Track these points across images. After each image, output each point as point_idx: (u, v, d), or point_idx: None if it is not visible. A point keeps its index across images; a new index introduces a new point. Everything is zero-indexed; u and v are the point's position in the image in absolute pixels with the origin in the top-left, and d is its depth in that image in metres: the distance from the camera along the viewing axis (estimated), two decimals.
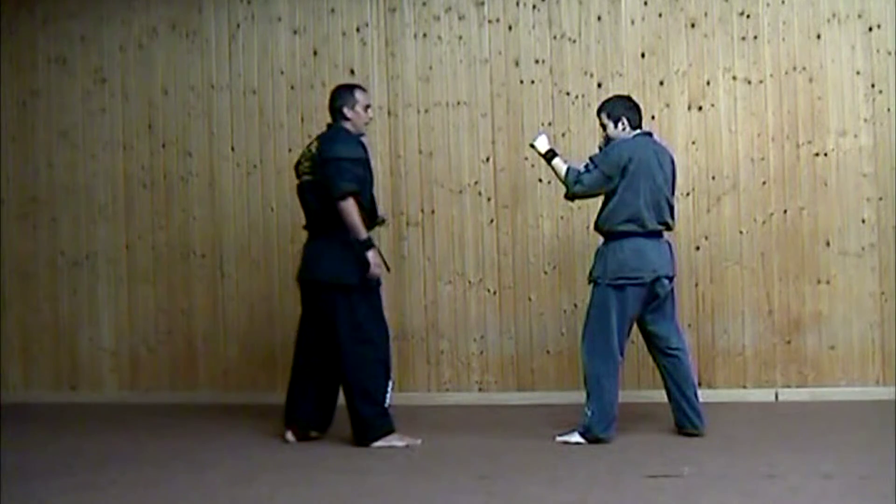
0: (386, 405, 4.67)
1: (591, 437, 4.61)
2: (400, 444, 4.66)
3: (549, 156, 4.82)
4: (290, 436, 4.90)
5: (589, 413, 4.62)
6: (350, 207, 4.59)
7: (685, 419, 4.74)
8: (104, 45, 6.55)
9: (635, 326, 4.79)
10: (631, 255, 4.64)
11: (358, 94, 4.86)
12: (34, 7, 6.66)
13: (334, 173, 4.61)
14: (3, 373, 6.62)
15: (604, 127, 4.81)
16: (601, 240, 4.78)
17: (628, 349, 5.76)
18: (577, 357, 5.79)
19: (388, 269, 4.92)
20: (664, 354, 4.79)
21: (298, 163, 4.91)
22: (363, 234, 4.64)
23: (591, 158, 4.74)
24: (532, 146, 4.90)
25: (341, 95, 4.87)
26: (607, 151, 4.73)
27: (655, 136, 4.89)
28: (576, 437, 4.64)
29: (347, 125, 4.81)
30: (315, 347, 4.84)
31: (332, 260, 4.69)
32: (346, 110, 4.81)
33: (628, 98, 4.92)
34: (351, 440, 4.76)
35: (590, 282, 4.76)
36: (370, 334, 4.68)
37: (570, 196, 4.86)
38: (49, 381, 6.59)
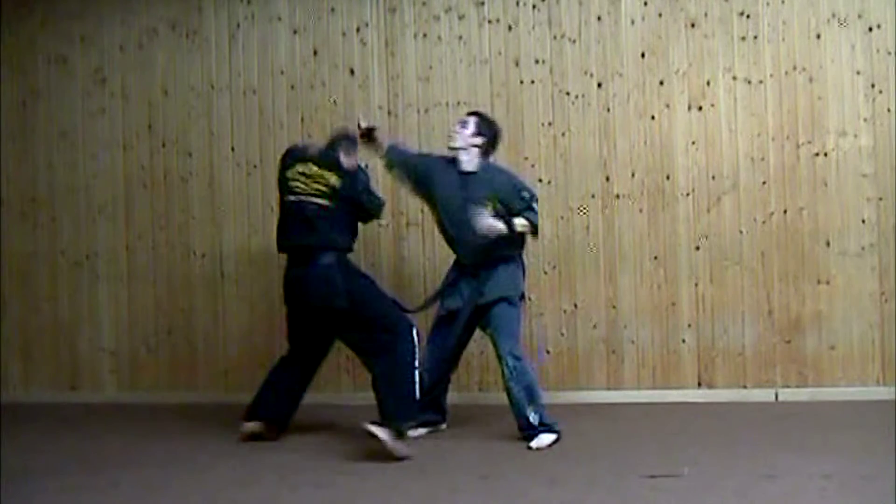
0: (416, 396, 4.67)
1: (552, 430, 4.67)
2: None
3: (509, 223, 4.78)
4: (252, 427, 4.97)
5: (537, 417, 4.66)
6: None
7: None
8: (104, 45, 6.55)
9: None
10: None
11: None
12: (34, 7, 6.66)
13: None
14: (3, 373, 6.62)
15: (463, 124, 4.93)
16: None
17: (631, 349, 5.79)
18: (578, 357, 5.83)
19: None
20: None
21: (291, 178, 4.79)
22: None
23: (525, 196, 4.81)
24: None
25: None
26: (525, 182, 4.95)
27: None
28: (547, 439, 4.65)
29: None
30: (308, 355, 4.93)
31: (343, 283, 4.66)
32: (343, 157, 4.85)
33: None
34: (352, 441, 4.77)
35: (502, 300, 4.81)
36: (391, 331, 4.68)
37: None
38: (49, 381, 6.59)
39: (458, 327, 4.91)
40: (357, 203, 4.78)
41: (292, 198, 4.76)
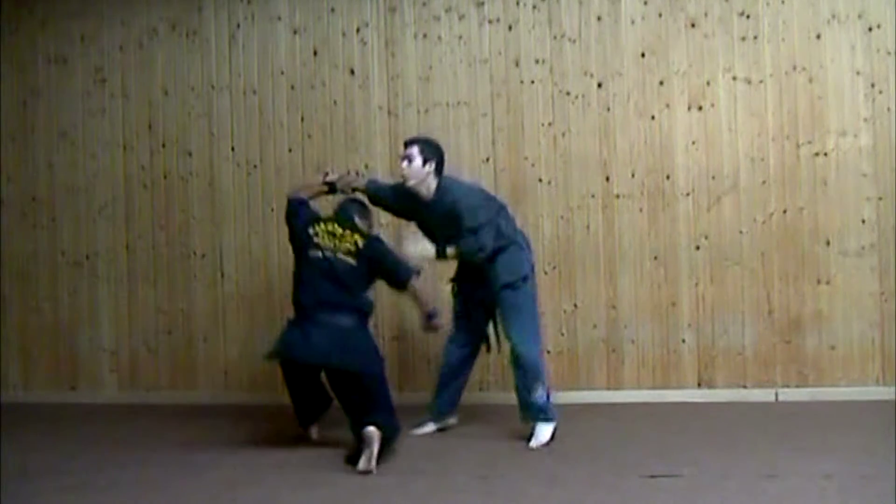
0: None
1: (551, 418, 4.72)
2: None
3: (441, 250, 4.83)
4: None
5: (545, 397, 4.72)
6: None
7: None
8: (104, 45, 6.55)
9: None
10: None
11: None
12: (34, 7, 6.66)
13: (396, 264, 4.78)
14: (3, 373, 6.62)
15: (409, 158, 4.81)
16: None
17: (631, 349, 5.80)
18: (578, 357, 5.83)
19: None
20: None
21: (316, 234, 4.77)
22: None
23: (466, 225, 4.74)
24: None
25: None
26: (473, 206, 4.76)
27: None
28: (546, 431, 4.68)
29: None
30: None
31: (360, 347, 4.61)
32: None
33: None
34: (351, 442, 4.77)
35: (505, 287, 4.78)
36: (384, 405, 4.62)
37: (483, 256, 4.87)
38: (49, 381, 6.59)
39: (475, 320, 5.05)
40: (381, 266, 4.74)
41: (319, 254, 4.71)
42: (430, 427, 5.09)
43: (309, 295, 4.68)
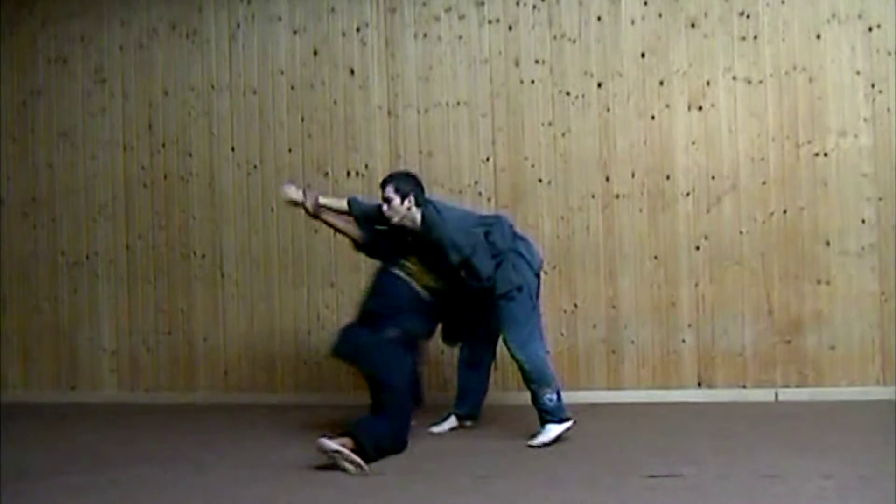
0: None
1: (564, 418, 4.72)
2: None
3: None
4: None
5: (555, 398, 4.71)
6: None
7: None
8: (104, 45, 6.55)
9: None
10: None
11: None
12: (34, 7, 6.67)
13: None
14: (3, 373, 6.63)
15: (388, 200, 4.81)
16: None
17: (631, 349, 5.80)
18: (578, 357, 5.83)
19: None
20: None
21: (407, 259, 4.94)
22: None
23: (462, 262, 4.77)
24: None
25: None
26: (459, 241, 4.75)
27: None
28: (553, 432, 4.67)
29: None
30: None
31: (386, 357, 4.68)
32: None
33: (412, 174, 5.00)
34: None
35: (500, 298, 4.79)
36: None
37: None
38: (49, 380, 6.60)
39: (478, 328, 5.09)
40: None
41: (401, 273, 4.87)
42: (445, 426, 5.13)
43: (375, 303, 4.84)
